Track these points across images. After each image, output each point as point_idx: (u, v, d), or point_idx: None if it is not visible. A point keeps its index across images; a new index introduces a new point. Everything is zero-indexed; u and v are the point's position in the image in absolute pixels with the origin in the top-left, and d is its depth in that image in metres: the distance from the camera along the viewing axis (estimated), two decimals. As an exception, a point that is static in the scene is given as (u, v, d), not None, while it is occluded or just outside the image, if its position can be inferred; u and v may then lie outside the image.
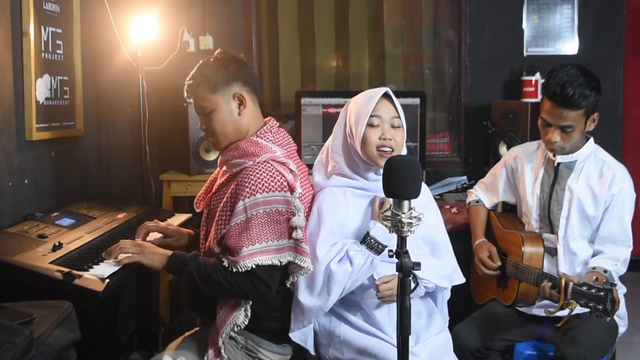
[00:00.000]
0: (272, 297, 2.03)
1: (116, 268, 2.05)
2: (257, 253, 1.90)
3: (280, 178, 1.97)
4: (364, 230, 2.05)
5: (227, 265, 1.93)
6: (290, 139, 2.17)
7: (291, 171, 2.01)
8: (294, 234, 1.95)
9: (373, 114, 2.08)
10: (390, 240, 1.96)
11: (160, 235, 2.34)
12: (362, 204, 2.11)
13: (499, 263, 2.57)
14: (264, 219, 1.92)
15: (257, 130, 2.09)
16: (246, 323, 2.00)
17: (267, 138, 2.07)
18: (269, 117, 2.18)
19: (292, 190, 1.98)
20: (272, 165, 1.98)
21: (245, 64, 2.14)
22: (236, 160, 2.03)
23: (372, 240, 1.99)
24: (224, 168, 2.12)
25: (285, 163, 2.01)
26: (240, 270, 1.90)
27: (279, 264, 1.94)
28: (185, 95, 2.13)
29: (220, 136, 2.10)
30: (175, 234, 2.33)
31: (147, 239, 2.30)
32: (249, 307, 2.00)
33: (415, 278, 2.06)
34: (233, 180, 2.02)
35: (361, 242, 2.01)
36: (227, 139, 2.09)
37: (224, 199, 2.02)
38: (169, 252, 2.07)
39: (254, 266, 1.89)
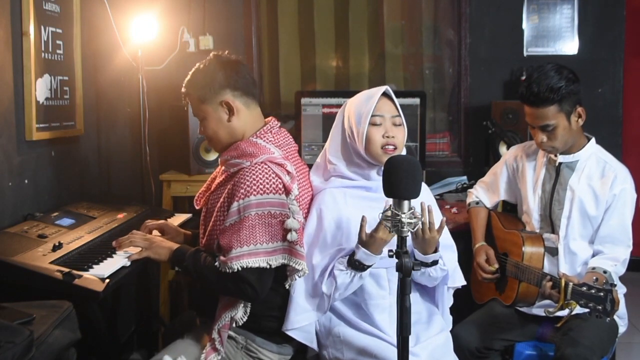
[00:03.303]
0: (272, 297, 2.03)
1: (120, 265, 2.08)
2: (245, 255, 1.91)
3: (276, 180, 1.97)
4: None
5: (218, 265, 1.95)
6: (290, 140, 2.17)
7: (288, 172, 2.01)
8: (288, 237, 1.95)
9: (375, 114, 2.09)
10: (374, 259, 1.97)
11: (160, 233, 2.36)
12: (361, 204, 2.11)
13: (496, 266, 2.57)
14: (255, 221, 1.93)
15: (257, 131, 2.10)
16: (245, 319, 2.01)
17: (267, 139, 2.08)
18: (270, 117, 2.19)
19: (287, 192, 1.98)
20: (268, 166, 1.98)
21: (237, 67, 2.11)
22: (234, 160, 2.04)
23: (356, 262, 1.99)
24: (223, 167, 2.13)
25: (282, 164, 2.01)
26: (227, 271, 1.91)
27: (268, 266, 1.94)
28: (183, 101, 2.18)
29: (214, 141, 2.14)
30: (172, 232, 2.36)
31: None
32: (248, 304, 2.01)
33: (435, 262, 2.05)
34: (230, 180, 2.03)
35: (347, 263, 2.00)
36: (220, 142, 2.13)
37: (221, 199, 2.03)
38: (175, 246, 2.11)
39: (240, 268, 1.90)
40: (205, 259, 2.00)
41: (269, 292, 2.00)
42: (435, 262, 2.05)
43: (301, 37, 4.11)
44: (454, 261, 2.20)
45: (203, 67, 2.11)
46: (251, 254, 1.91)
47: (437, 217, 2.25)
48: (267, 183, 1.96)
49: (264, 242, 1.93)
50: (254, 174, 1.96)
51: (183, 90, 2.14)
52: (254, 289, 1.94)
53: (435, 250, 2.03)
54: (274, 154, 2.02)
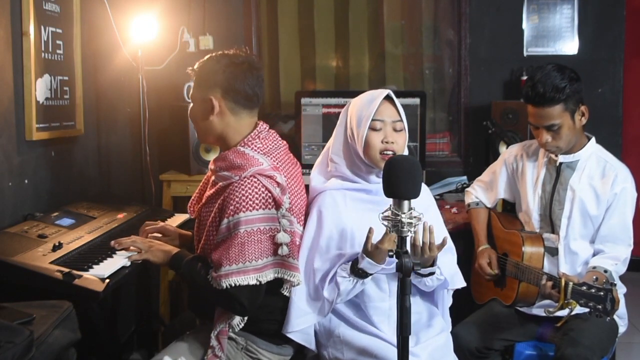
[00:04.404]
0: (273, 301, 2.03)
1: (120, 265, 2.09)
2: (234, 273, 1.90)
3: (266, 194, 1.95)
4: (363, 235, 2.05)
5: (210, 279, 1.95)
6: (279, 142, 2.13)
7: (278, 184, 1.98)
8: (279, 251, 1.95)
9: (375, 118, 2.07)
10: (378, 268, 1.96)
11: (159, 235, 2.36)
12: (361, 207, 2.10)
13: (497, 271, 2.57)
14: (244, 238, 1.92)
15: (244, 137, 2.07)
16: (241, 326, 2.01)
17: (255, 146, 2.04)
18: (259, 121, 2.14)
19: (278, 206, 1.96)
20: (258, 180, 1.95)
21: (242, 74, 2.04)
22: (224, 173, 2.02)
23: (360, 270, 1.98)
24: (214, 178, 2.11)
25: (272, 176, 1.97)
26: (217, 287, 1.92)
27: (257, 283, 1.93)
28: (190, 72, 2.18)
29: (193, 123, 2.19)
30: (171, 234, 2.37)
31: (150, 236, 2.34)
32: None
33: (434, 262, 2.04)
34: (221, 194, 2.01)
35: (350, 270, 2.00)
36: (197, 128, 2.16)
37: (212, 214, 2.02)
38: (173, 251, 2.12)
39: (228, 286, 1.90)
40: (200, 270, 2.00)
41: (270, 297, 2.00)
42: (431, 273, 2.05)
43: (301, 37, 4.11)
44: (453, 264, 2.19)
45: (215, 57, 2.09)
46: (240, 272, 1.91)
47: (437, 219, 2.24)
48: (257, 198, 1.94)
49: (253, 260, 1.92)
50: (242, 190, 1.94)
51: (193, 68, 2.13)
52: (242, 306, 1.94)
53: (433, 264, 2.03)
54: (262, 165, 1.99)
